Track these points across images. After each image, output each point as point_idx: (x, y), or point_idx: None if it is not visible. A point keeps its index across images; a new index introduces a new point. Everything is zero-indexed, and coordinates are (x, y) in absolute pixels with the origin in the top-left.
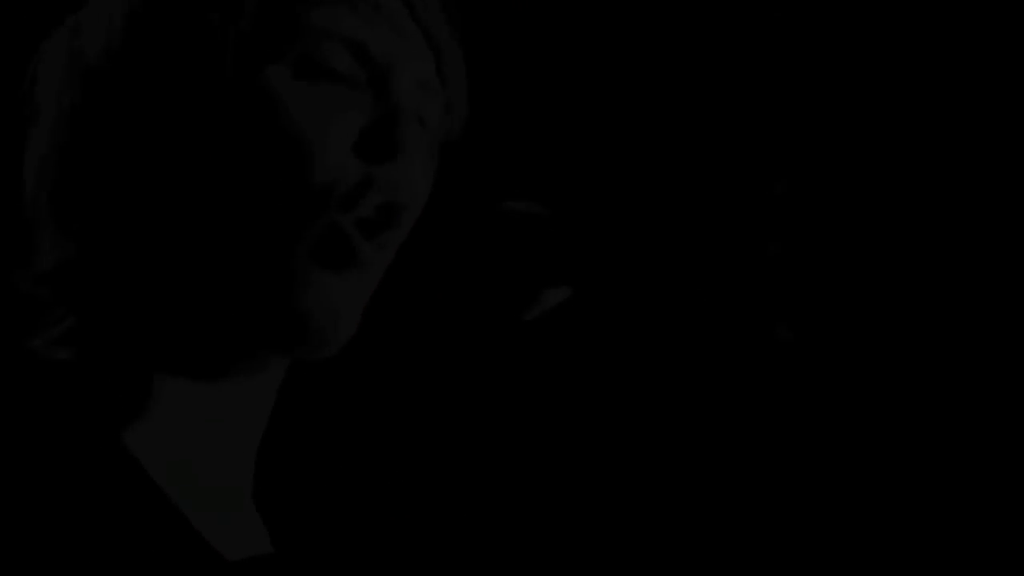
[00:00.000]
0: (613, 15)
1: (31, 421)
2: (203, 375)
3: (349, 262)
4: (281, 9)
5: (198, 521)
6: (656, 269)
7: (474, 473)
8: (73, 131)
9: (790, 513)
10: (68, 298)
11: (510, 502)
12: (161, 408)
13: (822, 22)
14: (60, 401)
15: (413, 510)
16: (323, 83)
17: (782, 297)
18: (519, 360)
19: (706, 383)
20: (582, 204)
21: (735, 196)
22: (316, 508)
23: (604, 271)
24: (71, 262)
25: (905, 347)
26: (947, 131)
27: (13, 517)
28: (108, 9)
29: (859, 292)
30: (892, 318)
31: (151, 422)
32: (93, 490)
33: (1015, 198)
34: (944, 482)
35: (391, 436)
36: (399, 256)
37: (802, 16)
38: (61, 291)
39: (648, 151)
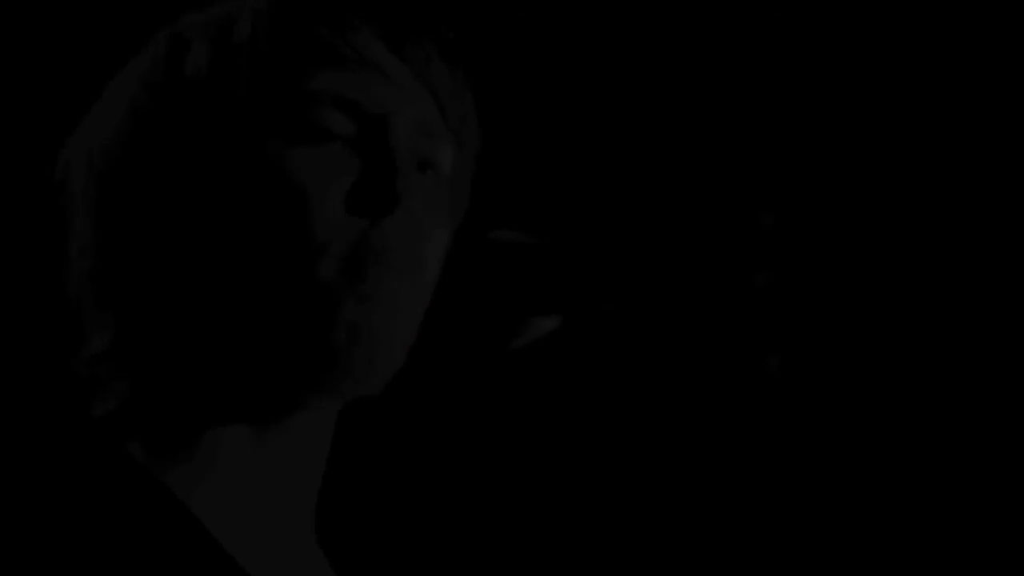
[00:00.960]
0: (601, 45)
1: (99, 498)
2: (259, 422)
3: (377, 295)
4: (275, 80)
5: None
6: (645, 300)
7: (461, 499)
8: (98, 221)
9: (780, 540)
10: (126, 374)
11: (494, 525)
12: (220, 468)
13: (807, 55)
14: (124, 474)
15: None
16: (320, 145)
17: (771, 328)
18: (508, 389)
19: (696, 413)
20: (571, 233)
21: (723, 227)
22: (377, 543)
23: (593, 300)
24: (121, 338)
25: (895, 377)
26: (934, 160)
27: None
28: (112, 103)
29: (847, 322)
30: (881, 348)
31: (211, 483)
32: (162, 555)
33: (1002, 228)
34: (933, 511)
35: (382, 460)
36: None
37: (788, 49)
38: (119, 368)
39: (637, 181)
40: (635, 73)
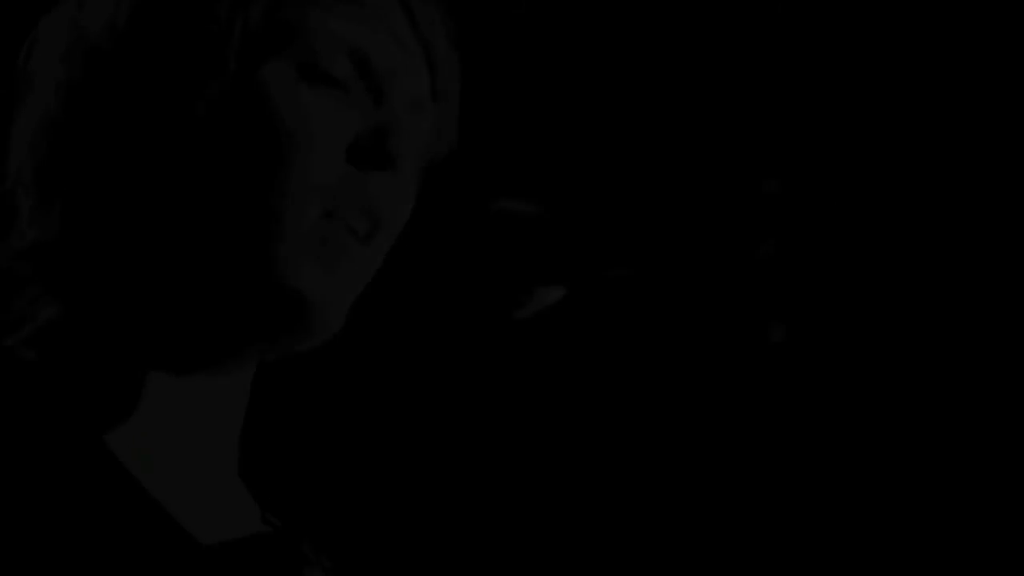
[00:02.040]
0: (606, 16)
1: (7, 421)
2: (191, 369)
3: (338, 260)
4: (290, 9)
5: (185, 516)
6: (650, 269)
7: (467, 469)
8: (68, 106)
9: (784, 511)
10: (46, 279)
11: (499, 496)
12: (143, 407)
13: (812, 23)
14: (39, 401)
15: (405, 500)
16: (321, 86)
17: (775, 297)
18: (513, 359)
19: (700, 382)
20: (575, 203)
21: (727, 196)
22: (304, 485)
23: (598, 270)
24: (52, 241)
25: (899, 346)
26: (937, 129)
27: None
28: None
29: (852, 291)
30: (885, 317)
31: (133, 422)
32: (75, 491)
33: (1007, 194)
34: (938, 482)
35: (385, 430)
36: (394, 254)
37: (792, 17)
38: (40, 270)
39: (640, 151)
40: (639, 43)
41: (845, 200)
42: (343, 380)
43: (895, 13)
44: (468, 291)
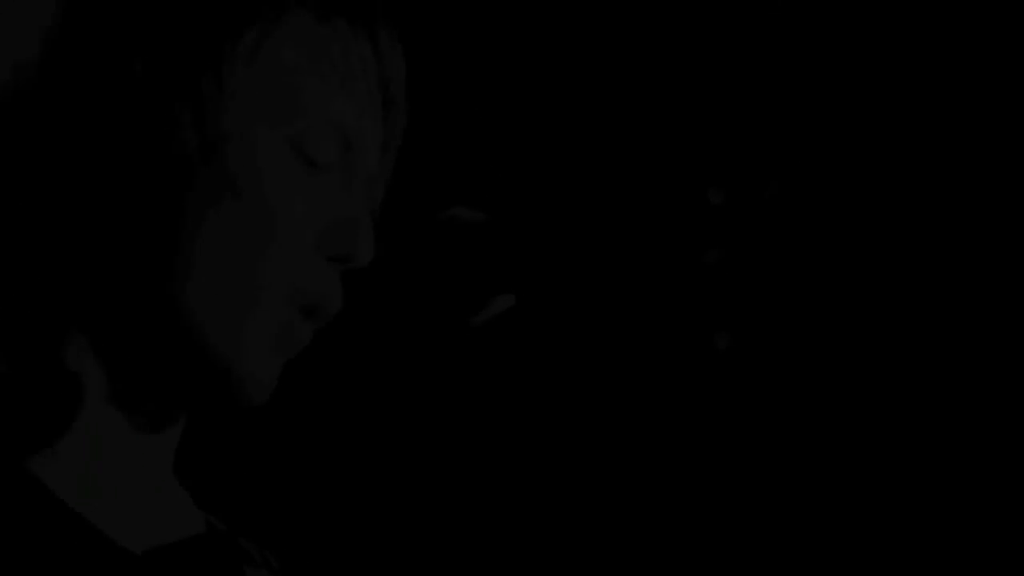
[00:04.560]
0: (560, 22)
1: None
2: (119, 426)
3: (293, 347)
4: (278, 82)
5: (115, 526)
6: (597, 276)
7: (417, 469)
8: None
9: (730, 520)
10: None
11: (451, 494)
12: (73, 442)
13: (767, 36)
14: None
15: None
16: (305, 167)
17: (721, 305)
18: (466, 367)
19: (645, 390)
20: (524, 210)
21: (673, 204)
22: (246, 483)
23: (547, 278)
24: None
25: (846, 354)
26: (891, 134)
27: None
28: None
29: (798, 299)
30: (832, 325)
31: (63, 455)
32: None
33: (967, 199)
34: (889, 491)
35: (335, 430)
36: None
37: (747, 29)
38: None
39: (587, 158)
40: (587, 52)
41: (791, 208)
42: (293, 377)
43: (854, 26)
44: (420, 299)
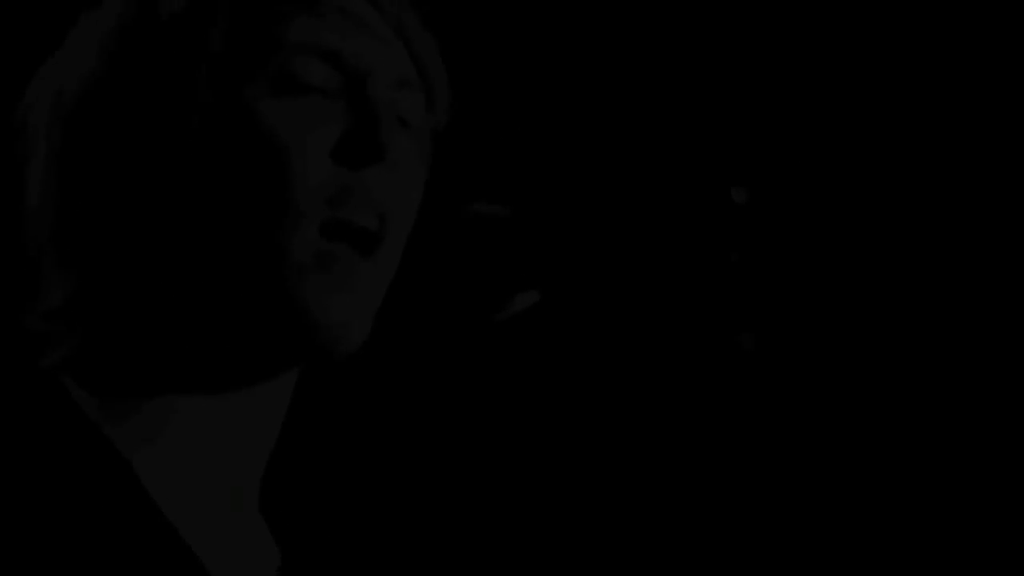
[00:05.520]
0: (580, 23)
1: (40, 448)
2: (218, 390)
3: (349, 280)
4: (252, 27)
5: (206, 548)
6: (620, 277)
7: (447, 476)
8: (62, 169)
9: (755, 520)
10: (80, 330)
11: (483, 504)
12: (172, 430)
13: (782, 34)
14: (69, 426)
15: (410, 516)
16: (300, 96)
17: (745, 306)
18: (488, 363)
19: (670, 390)
20: (549, 207)
21: (696, 203)
22: (324, 518)
23: (570, 275)
24: (78, 295)
25: (869, 354)
26: (908, 135)
27: (15, 544)
28: (82, 43)
29: (822, 300)
30: (855, 325)
31: (162, 446)
32: (101, 517)
33: (978, 204)
34: (907, 489)
35: (382, 442)
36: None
37: (762, 27)
38: (72, 324)
39: (611, 156)
40: (608, 50)
41: (815, 208)
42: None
43: (864, 25)
44: (443, 295)
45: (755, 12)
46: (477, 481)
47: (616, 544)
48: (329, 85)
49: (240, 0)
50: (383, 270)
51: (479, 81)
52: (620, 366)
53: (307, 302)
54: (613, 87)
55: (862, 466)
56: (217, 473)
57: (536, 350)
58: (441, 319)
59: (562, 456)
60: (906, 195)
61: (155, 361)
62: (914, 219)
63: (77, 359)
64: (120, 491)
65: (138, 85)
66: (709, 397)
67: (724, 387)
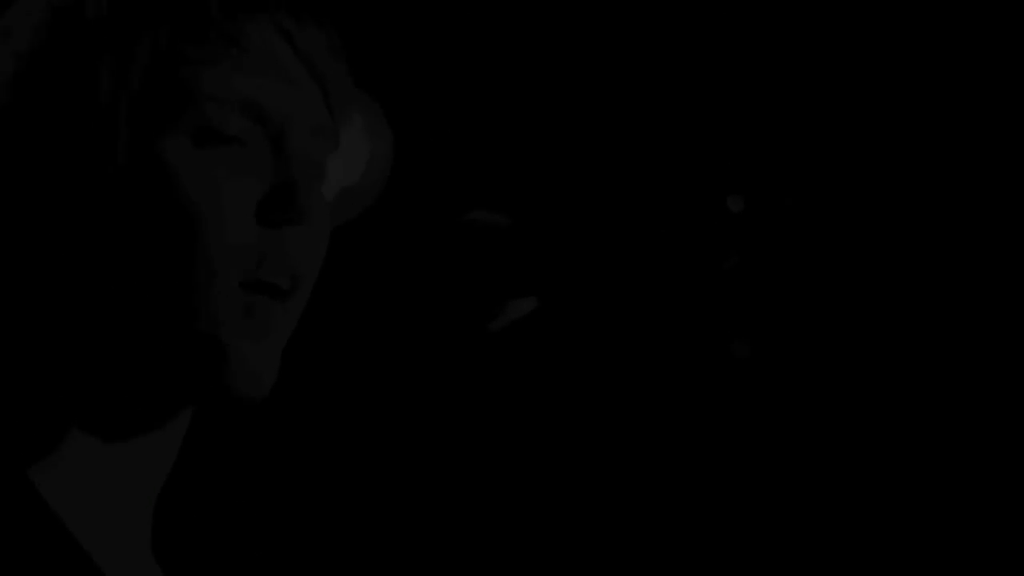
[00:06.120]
0: (578, 30)
1: None
2: (114, 430)
3: (266, 328)
4: (167, 75)
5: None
6: (615, 282)
7: (435, 483)
8: None
9: (747, 524)
10: None
11: (473, 511)
12: (71, 451)
13: (777, 42)
14: None
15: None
16: (220, 147)
17: (739, 314)
18: (485, 370)
19: (664, 397)
20: (544, 214)
21: (692, 212)
22: (216, 558)
23: (567, 282)
24: None
25: (862, 362)
26: (902, 143)
27: None
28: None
29: (816, 309)
30: (848, 334)
31: (61, 465)
32: (17, 547)
33: (971, 211)
34: (900, 495)
35: (379, 446)
36: (363, 269)
37: (758, 36)
38: None
39: (608, 164)
40: (605, 59)
41: (810, 216)
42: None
43: (861, 25)
44: (440, 303)
45: (751, 22)
46: (476, 483)
47: (612, 549)
48: (248, 136)
49: (157, 45)
50: (293, 316)
51: (478, 90)
52: (616, 374)
53: (226, 351)
54: (610, 97)
55: (855, 472)
56: (118, 507)
57: (533, 357)
58: (437, 327)
59: (557, 463)
60: (899, 204)
61: (54, 395)
62: (907, 228)
63: None
64: (40, 528)
65: (53, 126)
66: (703, 404)
67: (718, 394)
